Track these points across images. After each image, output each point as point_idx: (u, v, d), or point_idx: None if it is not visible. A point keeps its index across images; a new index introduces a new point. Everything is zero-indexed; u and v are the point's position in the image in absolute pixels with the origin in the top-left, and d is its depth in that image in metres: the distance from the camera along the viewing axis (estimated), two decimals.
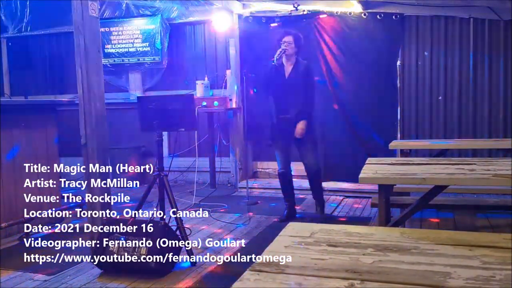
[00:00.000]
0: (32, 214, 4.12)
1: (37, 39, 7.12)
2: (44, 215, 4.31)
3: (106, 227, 3.17)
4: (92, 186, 3.34)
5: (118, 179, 6.33)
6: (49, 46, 7.13)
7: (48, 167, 4.40)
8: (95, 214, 3.35)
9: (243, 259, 3.33)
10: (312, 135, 4.44)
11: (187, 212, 4.80)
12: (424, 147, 4.95)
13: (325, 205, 4.60)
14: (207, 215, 4.66)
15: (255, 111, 6.08)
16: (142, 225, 3.11)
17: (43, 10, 6.86)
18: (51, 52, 7.13)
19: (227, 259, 3.39)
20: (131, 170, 6.60)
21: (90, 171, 3.33)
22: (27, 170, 4.19)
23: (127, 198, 5.73)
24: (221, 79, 6.30)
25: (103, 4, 6.53)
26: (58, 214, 4.53)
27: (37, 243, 3.86)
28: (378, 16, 5.53)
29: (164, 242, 3.03)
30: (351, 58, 5.66)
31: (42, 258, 3.47)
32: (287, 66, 4.41)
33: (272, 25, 5.86)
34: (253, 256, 1.40)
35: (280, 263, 1.32)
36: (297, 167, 5.73)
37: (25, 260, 3.42)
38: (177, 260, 3.22)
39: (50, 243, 3.85)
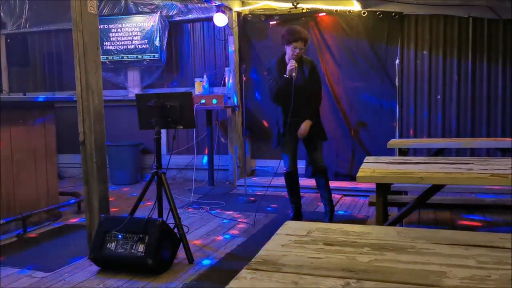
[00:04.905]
0: (30, 211, 4.12)
1: (36, 36, 7.12)
2: (42, 212, 4.32)
3: (104, 224, 3.17)
4: (90, 183, 3.34)
5: (117, 176, 6.38)
6: (48, 43, 7.12)
7: (47, 164, 4.41)
8: (93, 211, 3.35)
9: (241, 257, 3.34)
10: (322, 133, 4.30)
11: (185, 210, 4.81)
12: (422, 146, 4.96)
13: (334, 212, 4.36)
14: (205, 213, 4.68)
15: (254, 109, 6.09)
16: (140, 223, 3.11)
17: (42, 7, 6.85)
18: (49, 49, 7.12)
19: (224, 257, 3.40)
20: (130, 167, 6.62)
21: (88, 168, 3.33)
22: (25, 167, 4.20)
23: (125, 195, 5.76)
24: (220, 77, 6.30)
25: (102, 1, 6.52)
26: (56, 211, 4.53)
27: (35, 240, 3.87)
28: (377, 15, 5.54)
29: (161, 240, 3.04)
30: (350, 56, 5.66)
31: (40, 255, 3.47)
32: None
33: (272, 23, 5.86)
34: (251, 254, 1.40)
35: (277, 262, 1.32)
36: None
37: (23, 257, 3.43)
38: (174, 258, 3.23)
39: (48, 240, 3.87)
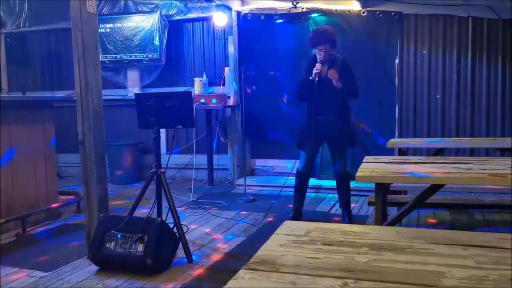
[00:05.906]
0: (30, 210, 4.12)
1: (35, 35, 7.11)
2: (42, 211, 4.32)
3: (103, 224, 3.17)
4: (89, 182, 3.33)
5: (116, 175, 6.38)
6: (47, 42, 7.11)
7: (46, 163, 4.41)
8: (92, 210, 3.35)
9: (240, 257, 3.34)
10: (351, 136, 4.26)
11: (185, 209, 4.81)
12: (421, 145, 4.96)
13: (352, 214, 4.31)
14: (204, 213, 4.68)
15: (253, 108, 6.09)
16: (139, 222, 3.11)
17: (41, 6, 6.84)
18: (49, 48, 7.12)
19: (223, 256, 3.40)
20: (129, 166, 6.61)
21: (87, 167, 3.33)
22: (24, 166, 4.19)
23: (124, 194, 5.75)
24: (219, 76, 6.30)
25: (101, 1, 6.52)
26: (55, 210, 4.53)
27: (35, 240, 3.87)
28: (377, 14, 5.53)
29: (161, 239, 3.04)
30: (349, 56, 5.64)
31: (39, 255, 3.47)
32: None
33: (278, 21, 5.86)
34: (250, 254, 1.40)
35: (275, 262, 1.32)
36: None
37: (22, 257, 3.43)
38: (174, 257, 3.23)
39: (47, 240, 3.86)
